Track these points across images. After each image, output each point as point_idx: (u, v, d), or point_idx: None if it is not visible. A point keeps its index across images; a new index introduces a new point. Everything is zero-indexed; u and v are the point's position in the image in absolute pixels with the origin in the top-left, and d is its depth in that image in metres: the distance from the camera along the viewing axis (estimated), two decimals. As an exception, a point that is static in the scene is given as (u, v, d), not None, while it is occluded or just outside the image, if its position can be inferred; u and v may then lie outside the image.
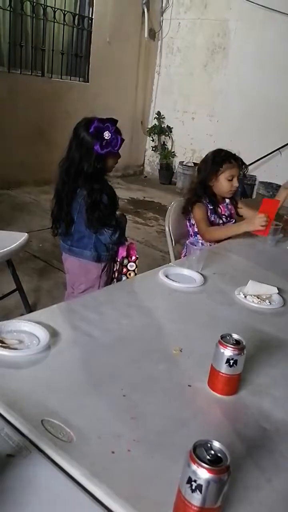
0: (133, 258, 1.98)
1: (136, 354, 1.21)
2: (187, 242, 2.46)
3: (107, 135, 1.80)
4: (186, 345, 1.26)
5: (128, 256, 1.97)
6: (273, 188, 5.98)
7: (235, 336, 1.08)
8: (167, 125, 7.27)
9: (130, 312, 1.42)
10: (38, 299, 3.11)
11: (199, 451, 0.70)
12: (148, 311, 1.46)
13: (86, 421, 0.93)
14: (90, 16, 6.03)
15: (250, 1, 5.94)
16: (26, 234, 2.71)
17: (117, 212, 2.01)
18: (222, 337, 1.07)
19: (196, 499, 0.69)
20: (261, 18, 5.95)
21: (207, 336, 1.33)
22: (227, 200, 2.49)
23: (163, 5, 6.88)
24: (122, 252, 1.95)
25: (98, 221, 1.85)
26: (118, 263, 1.97)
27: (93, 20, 6.04)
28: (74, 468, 0.81)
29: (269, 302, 1.58)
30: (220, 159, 2.31)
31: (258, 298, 1.59)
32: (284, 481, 0.86)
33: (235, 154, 2.35)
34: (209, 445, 0.72)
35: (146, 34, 6.78)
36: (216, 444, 0.72)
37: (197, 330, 1.38)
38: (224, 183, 2.32)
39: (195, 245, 1.87)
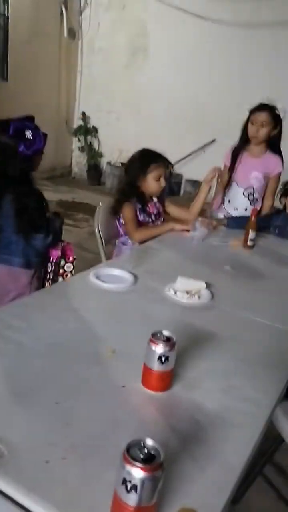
0: (71, 259, 1.95)
1: (68, 359, 1.19)
2: (118, 242, 2.46)
3: (28, 133, 1.75)
4: (119, 346, 1.26)
5: (65, 256, 1.93)
6: (198, 186, 6.14)
7: (165, 332, 1.09)
8: (93, 125, 7.24)
9: (61, 316, 1.40)
10: None
11: (132, 451, 0.71)
12: (79, 314, 1.44)
13: (17, 434, 0.90)
14: (6, 13, 5.84)
15: (163, 3, 6.06)
16: None
17: (50, 212, 1.96)
18: (153, 334, 1.09)
19: (131, 499, 0.69)
20: (175, 20, 6.09)
21: (139, 335, 1.33)
22: (155, 199, 2.53)
23: (82, 4, 6.83)
24: (56, 253, 1.91)
25: (29, 225, 1.79)
26: (52, 264, 1.92)
27: (9, 18, 5.86)
28: (7, 484, 0.79)
29: (198, 297, 1.62)
30: (147, 159, 2.34)
31: (188, 293, 1.63)
32: (216, 469, 0.88)
33: (161, 154, 2.40)
34: (142, 444, 0.72)
35: (65, 34, 6.69)
36: (149, 442, 0.73)
37: (130, 330, 1.38)
38: (151, 183, 2.36)
39: (126, 245, 1.88)
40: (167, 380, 1.09)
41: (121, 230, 2.47)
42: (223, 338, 1.39)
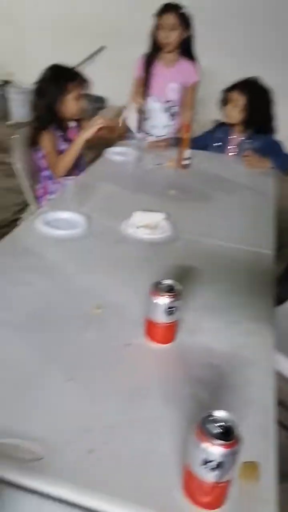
0: None
1: (57, 327, 1.07)
2: (42, 177, 2.23)
3: None
4: (103, 300, 1.17)
5: None
6: (92, 100, 5.76)
7: (167, 281, 1.02)
8: None
9: (26, 277, 1.24)
10: None
11: (207, 428, 0.65)
12: (44, 271, 1.29)
13: (44, 427, 0.80)
14: None
15: None
16: None
17: None
18: (155, 285, 1.00)
19: (212, 476, 0.65)
20: None
21: (118, 283, 1.26)
22: (73, 123, 2.28)
23: None
24: None
25: None
26: None
27: None
28: (59, 487, 0.70)
29: (160, 230, 1.54)
30: (64, 77, 2.06)
31: (148, 228, 1.54)
32: (253, 413, 0.88)
33: (74, 69, 2.12)
34: (212, 417, 0.67)
35: None
36: (220, 414, 0.68)
37: (104, 279, 1.27)
38: (71, 104, 2.10)
39: (52, 179, 1.69)
40: (174, 331, 1.04)
41: (44, 162, 2.22)
42: (200, 270, 1.35)
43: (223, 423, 0.66)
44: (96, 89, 6.26)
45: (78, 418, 0.83)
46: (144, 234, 1.51)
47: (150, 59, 2.61)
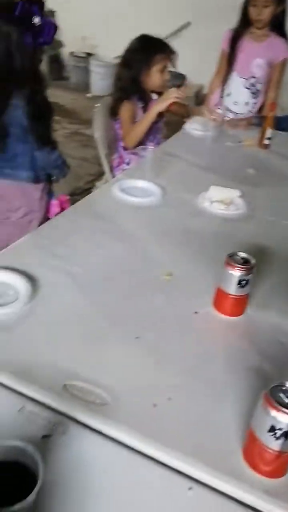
0: None
1: (128, 289, 1.10)
2: (119, 147, 2.26)
3: (37, 20, 1.45)
4: (174, 269, 1.17)
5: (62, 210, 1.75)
6: (172, 76, 5.71)
7: (242, 254, 1.01)
8: (49, 9, 6.37)
9: (101, 238, 1.28)
10: None
11: (277, 396, 0.65)
12: (119, 236, 1.32)
13: (112, 377, 0.83)
14: None
15: None
16: None
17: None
18: (230, 256, 1.00)
19: (278, 444, 0.65)
20: None
21: (190, 254, 1.27)
22: (155, 96, 2.28)
23: None
24: (55, 209, 1.73)
25: (42, 134, 1.58)
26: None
27: None
28: (121, 432, 0.73)
29: (235, 207, 1.52)
30: (151, 49, 2.05)
31: (223, 203, 1.52)
32: None
33: (163, 40, 2.11)
34: (283, 387, 0.67)
35: None
36: (289, 384, 0.67)
37: (178, 249, 1.28)
38: (156, 76, 2.10)
39: (144, 152, 1.70)
40: (244, 305, 1.03)
41: (121, 133, 2.24)
42: (273, 250, 1.32)
43: (293, 394, 0.65)
44: (178, 66, 6.17)
45: (144, 373, 0.85)
46: (219, 209, 1.49)
47: (237, 34, 2.54)
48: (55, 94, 5.82)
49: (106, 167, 2.23)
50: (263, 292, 1.11)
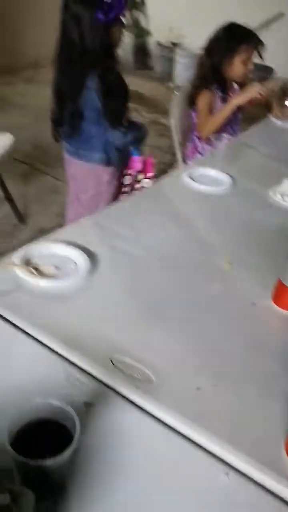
0: (149, 174, 1.77)
1: (184, 272, 1.09)
2: (194, 136, 2.24)
3: None
4: (235, 258, 1.15)
5: (145, 171, 1.76)
6: (259, 69, 5.54)
7: (306, 248, 0.96)
8: (140, -1, 6.43)
9: (164, 222, 1.28)
10: (27, 206, 2.90)
11: None
12: (182, 220, 1.31)
13: (159, 357, 0.83)
14: None
15: None
16: (10, 136, 2.43)
17: (137, 120, 1.76)
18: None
19: None
20: None
21: (254, 245, 1.23)
22: (236, 87, 2.23)
23: None
24: (137, 165, 1.74)
25: (114, 115, 1.60)
26: (132, 176, 1.76)
27: None
28: (163, 411, 0.73)
29: (308, 202, 1.45)
30: (236, 38, 2.00)
31: (295, 198, 1.46)
32: None
33: (251, 30, 2.05)
34: None
35: None
36: None
37: (241, 239, 1.26)
38: (238, 67, 2.05)
39: (213, 141, 1.67)
40: (304, 301, 0.98)
41: (197, 122, 2.22)
42: None
43: None
44: (266, 58, 5.99)
45: (191, 357, 0.85)
46: (290, 203, 1.44)
47: None
48: (137, 83, 5.89)
49: (179, 155, 2.23)
50: None
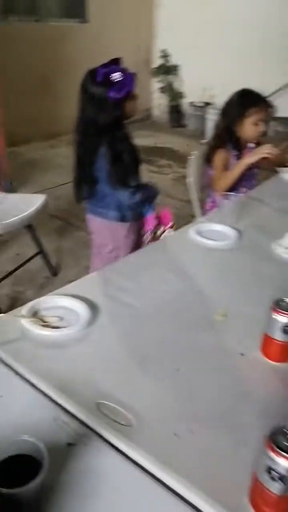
0: (168, 226, 1.89)
1: (180, 323, 1.16)
2: (211, 192, 2.35)
3: (116, 76, 1.65)
4: (230, 310, 1.21)
5: (163, 224, 1.88)
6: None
7: (289, 300, 1.01)
8: (174, 63, 6.87)
9: (167, 276, 1.36)
10: (61, 259, 3.07)
11: (278, 439, 0.66)
12: (185, 274, 1.40)
13: (142, 403, 0.89)
14: None
15: None
16: (44, 196, 2.63)
17: (149, 182, 1.91)
18: (276, 302, 1.01)
19: (277, 488, 0.65)
20: None
21: (250, 297, 1.28)
22: (252, 145, 2.35)
23: None
24: (151, 222, 1.86)
25: (120, 177, 1.75)
26: (151, 233, 1.88)
27: None
28: (139, 454, 0.79)
29: (311, 254, 1.50)
30: (246, 101, 2.15)
31: (299, 251, 1.51)
32: None
33: (261, 95, 2.18)
34: (286, 430, 0.67)
35: None
36: (294, 430, 0.67)
37: (238, 291, 1.32)
38: (248, 128, 2.17)
39: (227, 197, 1.77)
40: (290, 351, 1.02)
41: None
42: None
43: (295, 440, 0.66)
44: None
45: (173, 403, 0.90)
46: (293, 256, 1.49)
47: None
48: (171, 141, 6.21)
49: (196, 210, 2.33)
50: None
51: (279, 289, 1.31)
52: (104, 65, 1.69)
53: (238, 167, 2.13)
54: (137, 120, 7.06)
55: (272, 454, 0.64)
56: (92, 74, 1.70)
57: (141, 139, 6.23)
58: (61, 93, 5.15)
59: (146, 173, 4.91)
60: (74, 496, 0.72)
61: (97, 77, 1.67)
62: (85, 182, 1.82)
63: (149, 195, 1.88)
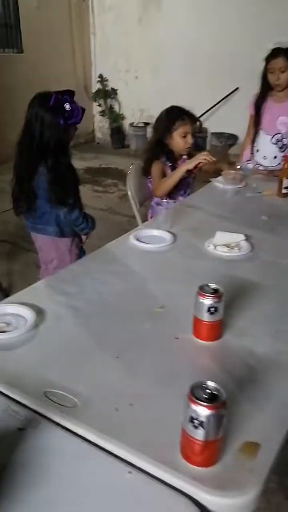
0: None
1: (120, 318, 1.26)
2: (152, 203, 2.50)
3: (68, 106, 1.79)
4: (168, 302, 1.32)
5: None
6: (225, 138, 6.02)
7: (212, 285, 1.14)
8: (112, 87, 7.12)
9: (108, 279, 1.46)
10: (12, 282, 3.11)
11: (196, 392, 0.77)
12: (125, 276, 1.50)
13: (86, 386, 0.98)
14: (14, -19, 5.73)
15: None
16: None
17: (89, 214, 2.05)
18: (201, 287, 1.13)
19: (199, 434, 0.76)
20: None
21: (185, 290, 1.38)
22: (185, 157, 2.52)
23: None
24: None
25: (59, 196, 1.86)
26: None
27: (17, -15, 5.74)
28: (83, 429, 0.87)
29: (238, 249, 1.65)
30: (173, 116, 2.33)
31: (228, 247, 1.66)
32: (273, 406, 0.94)
33: (187, 110, 2.37)
34: (204, 385, 0.78)
35: (74, -6, 6.51)
36: (211, 384, 0.79)
37: (175, 286, 1.44)
38: (178, 140, 2.35)
39: (160, 205, 1.91)
40: (217, 330, 1.15)
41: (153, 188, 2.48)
42: (267, 287, 1.43)
43: (212, 391, 0.77)
44: (229, 127, 6.50)
45: (114, 384, 1.00)
46: (222, 252, 1.63)
47: (261, 98, 2.75)
48: (115, 161, 6.38)
49: (138, 220, 2.46)
50: (243, 322, 1.23)
51: (209, 280, 1.44)
52: (58, 92, 1.81)
53: (178, 172, 2.29)
54: (81, 143, 7.22)
55: (193, 405, 0.75)
56: (44, 97, 1.81)
57: (86, 161, 6.40)
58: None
59: (92, 193, 5.05)
60: (25, 472, 0.79)
61: (50, 101, 1.78)
62: (23, 195, 1.91)
63: (86, 225, 2.00)
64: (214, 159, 2.34)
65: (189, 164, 2.31)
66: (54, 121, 1.80)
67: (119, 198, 4.82)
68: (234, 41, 5.77)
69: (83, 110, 1.88)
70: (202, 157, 2.29)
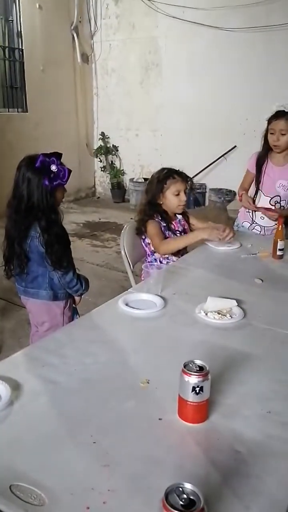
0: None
1: (103, 394, 1.18)
2: (142, 266, 2.46)
3: (54, 168, 1.79)
4: (153, 375, 1.25)
5: None
6: (223, 194, 6.10)
7: (198, 362, 1.07)
8: (113, 144, 7.32)
9: (92, 349, 1.40)
10: (3, 340, 3.03)
11: (171, 498, 0.69)
12: (110, 345, 1.44)
13: (56, 478, 0.90)
14: (20, 47, 6.03)
15: (175, 18, 6.12)
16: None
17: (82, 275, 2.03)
18: (185, 365, 1.07)
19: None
20: (187, 32, 6.12)
21: (172, 363, 1.31)
22: (179, 216, 2.52)
23: (92, 29, 6.98)
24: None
25: (55, 260, 1.83)
26: None
27: (24, 50, 6.04)
28: (49, 533, 0.78)
29: (230, 316, 1.59)
30: (163, 176, 2.34)
31: (219, 313, 1.60)
32: (262, 506, 0.85)
33: (178, 170, 2.39)
34: (180, 489, 0.70)
35: (78, 59, 6.84)
36: (188, 486, 0.71)
37: (162, 357, 1.37)
38: (171, 199, 2.35)
39: (151, 268, 1.87)
40: (203, 411, 1.07)
41: (147, 250, 2.46)
42: (259, 358, 1.35)
43: (189, 496, 0.69)
44: (227, 184, 6.63)
45: (87, 477, 0.91)
46: (213, 319, 1.57)
47: (262, 158, 2.78)
48: (115, 215, 6.45)
49: (131, 279, 2.42)
50: (233, 400, 1.15)
51: (200, 352, 1.38)
52: (45, 155, 1.83)
53: (189, 238, 2.27)
54: (82, 197, 7.34)
55: (166, 514, 0.67)
56: (31, 159, 1.82)
57: (86, 215, 6.47)
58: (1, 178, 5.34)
59: (91, 248, 5.05)
60: None
61: (36, 162, 1.79)
62: (15, 258, 1.88)
63: (81, 285, 1.97)
64: (230, 235, 2.28)
65: (206, 235, 2.26)
66: (40, 183, 1.80)
67: (117, 253, 4.79)
68: (233, 102, 5.99)
69: (70, 171, 1.88)
70: (224, 235, 2.25)
